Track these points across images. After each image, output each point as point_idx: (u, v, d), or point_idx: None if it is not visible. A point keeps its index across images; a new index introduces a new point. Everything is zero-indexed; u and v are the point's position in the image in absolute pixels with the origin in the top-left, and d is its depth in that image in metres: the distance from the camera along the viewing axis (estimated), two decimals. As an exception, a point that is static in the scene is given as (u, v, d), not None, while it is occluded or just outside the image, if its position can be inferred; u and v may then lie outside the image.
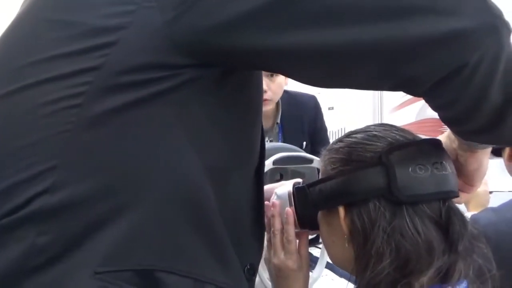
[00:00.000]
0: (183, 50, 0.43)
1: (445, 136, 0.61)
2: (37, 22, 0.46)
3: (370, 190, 0.53)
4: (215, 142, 0.48)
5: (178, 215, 0.44)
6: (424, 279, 0.49)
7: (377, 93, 3.04)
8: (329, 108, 3.56)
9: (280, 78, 1.46)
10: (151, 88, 0.42)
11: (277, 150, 0.94)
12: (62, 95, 0.41)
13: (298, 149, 1.08)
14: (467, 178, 0.60)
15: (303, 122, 1.61)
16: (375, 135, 0.56)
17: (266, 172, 0.89)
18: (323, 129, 1.70)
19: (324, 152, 0.61)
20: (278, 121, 1.56)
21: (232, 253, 0.50)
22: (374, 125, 0.60)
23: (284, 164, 0.91)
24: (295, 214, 0.65)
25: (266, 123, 1.54)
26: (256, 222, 0.59)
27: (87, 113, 0.41)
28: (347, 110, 3.44)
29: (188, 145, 0.45)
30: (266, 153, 0.95)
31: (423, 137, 0.59)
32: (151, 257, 0.42)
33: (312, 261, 0.70)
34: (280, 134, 1.58)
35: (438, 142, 0.57)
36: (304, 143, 1.60)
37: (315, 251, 1.00)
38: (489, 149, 0.58)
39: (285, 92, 1.56)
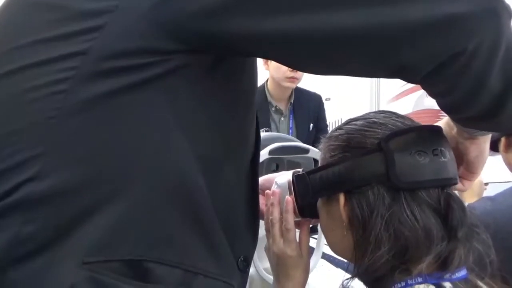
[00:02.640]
0: (171, 34, 0.42)
1: (444, 122, 0.60)
2: (23, 6, 0.45)
3: (369, 177, 0.52)
4: (206, 131, 0.47)
5: (168, 204, 0.43)
6: (423, 265, 0.49)
7: (374, 83, 3.04)
8: (326, 99, 3.54)
9: None
10: (139, 74, 0.41)
11: (273, 140, 0.93)
12: (47, 80, 0.41)
13: (294, 139, 1.08)
14: (468, 165, 0.59)
15: (310, 109, 2.05)
16: (374, 122, 0.55)
17: (262, 162, 0.89)
18: (325, 120, 2.11)
19: (323, 139, 0.60)
20: (292, 101, 2.02)
21: (225, 244, 0.49)
22: (374, 112, 0.59)
23: (280, 154, 0.90)
24: (295, 203, 0.64)
25: (283, 104, 2.04)
26: (251, 214, 0.58)
27: (74, 99, 0.40)
28: (344, 101, 3.44)
29: (178, 133, 0.44)
30: (262, 143, 0.95)
31: None
32: (140, 247, 0.41)
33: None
34: (291, 116, 2.02)
35: (439, 128, 0.56)
36: (311, 125, 2.04)
37: (310, 242, 1.00)
38: (490, 135, 0.57)
39: (296, 87, 2.00)
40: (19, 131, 0.41)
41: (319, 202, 0.61)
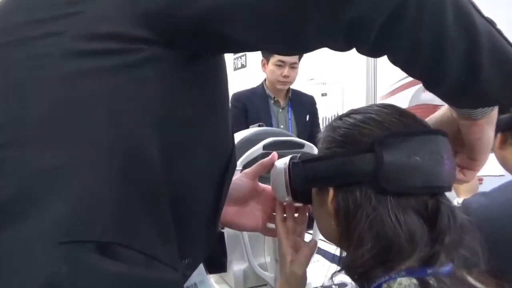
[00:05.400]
0: (146, 24, 0.44)
1: (446, 108, 0.59)
2: None
3: (359, 176, 0.52)
4: (170, 126, 0.47)
5: (128, 188, 0.44)
6: (405, 265, 0.49)
7: (371, 78, 3.03)
8: (322, 95, 3.54)
9: (297, 69, 2.27)
10: (112, 58, 0.43)
11: (267, 135, 0.93)
12: (33, 53, 0.44)
13: (289, 133, 1.07)
14: (470, 150, 0.57)
15: (305, 104, 2.40)
16: (373, 119, 0.54)
17: (256, 157, 0.89)
18: (317, 117, 2.44)
19: (325, 127, 0.60)
20: (290, 95, 2.35)
21: (173, 242, 0.50)
22: (378, 105, 0.57)
23: (274, 149, 0.90)
24: (289, 186, 0.65)
25: (282, 98, 2.36)
26: (209, 224, 0.59)
27: (53, 73, 0.43)
28: (340, 97, 3.43)
29: (142, 122, 0.45)
30: (256, 137, 0.94)
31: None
32: (107, 232, 0.42)
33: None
34: (289, 108, 2.36)
35: (442, 133, 0.54)
36: (308, 116, 2.37)
37: (307, 237, 1.00)
38: (493, 117, 0.54)
39: (293, 89, 2.38)
40: (3, 97, 0.42)
41: (314, 189, 0.62)
